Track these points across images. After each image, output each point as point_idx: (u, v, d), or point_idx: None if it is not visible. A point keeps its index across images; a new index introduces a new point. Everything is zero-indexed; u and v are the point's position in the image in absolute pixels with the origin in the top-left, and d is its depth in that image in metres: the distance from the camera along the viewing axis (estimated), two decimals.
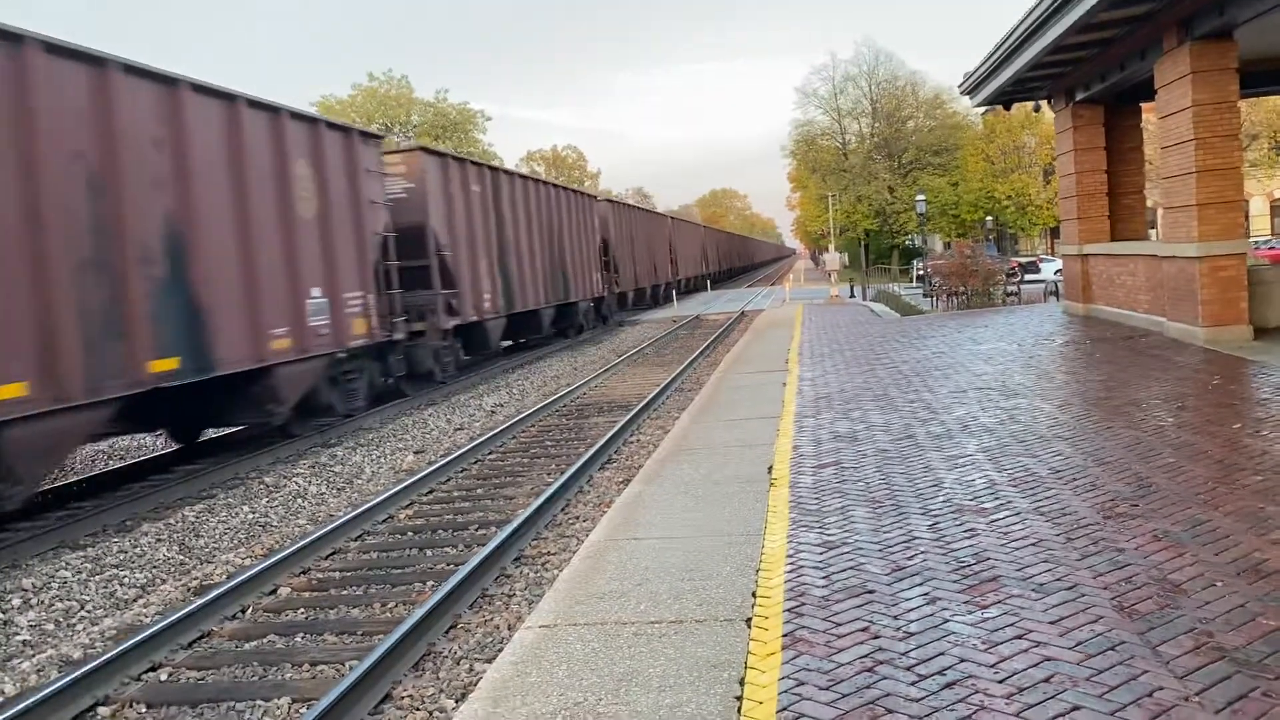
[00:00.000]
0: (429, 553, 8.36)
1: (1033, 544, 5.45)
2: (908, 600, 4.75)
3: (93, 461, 14.26)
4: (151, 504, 10.80)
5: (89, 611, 7.65)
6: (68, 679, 5.63)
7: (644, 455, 11.29)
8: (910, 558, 5.38)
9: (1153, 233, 23.36)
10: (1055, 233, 65.58)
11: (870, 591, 4.91)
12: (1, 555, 8.84)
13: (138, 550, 9.12)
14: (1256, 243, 39.87)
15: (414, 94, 67.20)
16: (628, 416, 13.69)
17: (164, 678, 6.09)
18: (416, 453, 13.25)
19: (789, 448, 8.67)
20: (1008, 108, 21.98)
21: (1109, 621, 4.29)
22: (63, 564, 8.72)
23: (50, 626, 7.34)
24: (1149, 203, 22.41)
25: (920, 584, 4.96)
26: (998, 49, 16.30)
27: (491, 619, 6.57)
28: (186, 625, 6.64)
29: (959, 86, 20.44)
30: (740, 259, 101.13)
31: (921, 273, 37.88)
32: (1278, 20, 11.73)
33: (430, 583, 7.38)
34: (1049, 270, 38.46)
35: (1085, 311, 18.55)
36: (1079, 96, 17.86)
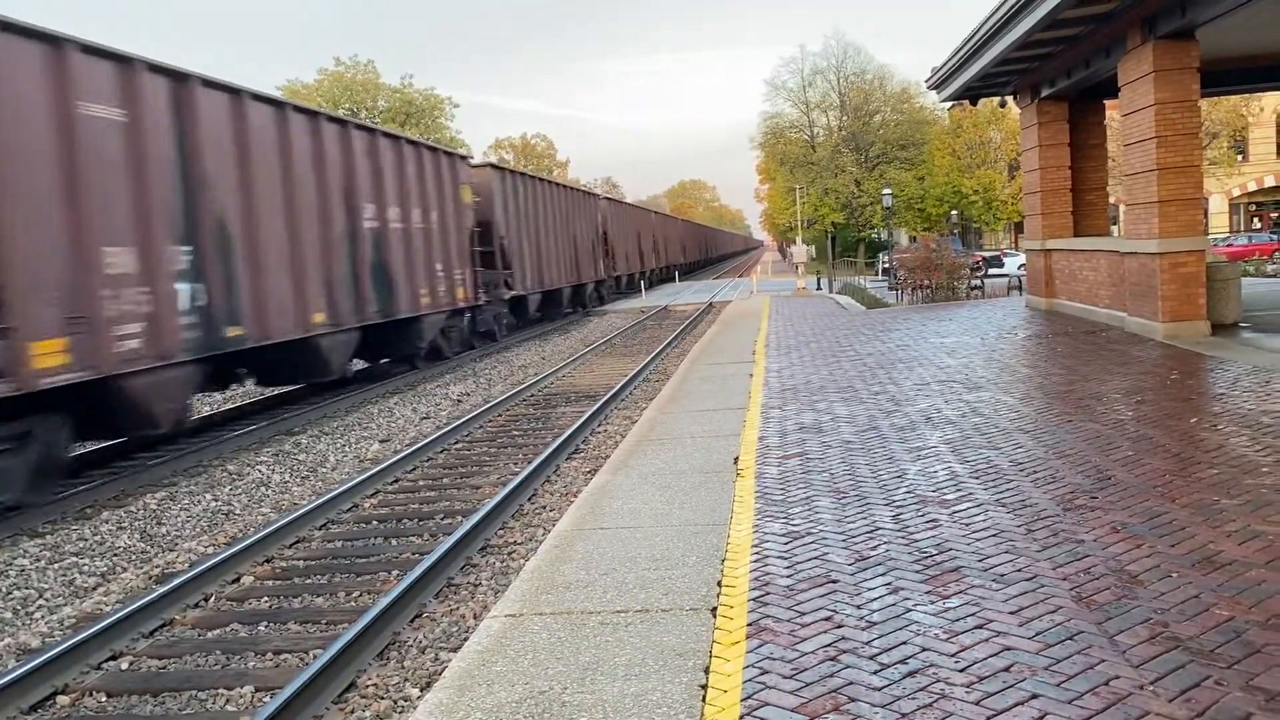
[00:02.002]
0: (394, 542, 8.33)
1: (994, 535, 5.53)
2: (871, 590, 4.80)
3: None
4: (112, 491, 10.68)
5: (48, 600, 7.55)
6: (25, 668, 5.56)
7: (611, 445, 11.30)
8: (873, 548, 5.44)
9: (1115, 229, 23.65)
10: (1019, 227, 66.23)
11: (834, 581, 4.96)
12: None
13: (98, 538, 9.02)
14: (1215, 240, 40.50)
15: (380, 80, 66.57)
16: (595, 406, 13.69)
17: (124, 666, 6.03)
18: (382, 441, 13.18)
19: (755, 439, 8.72)
20: (974, 103, 22.18)
21: (1068, 611, 4.36)
22: (20, 552, 8.60)
23: (8, 615, 7.23)
24: (1111, 199, 22.67)
25: (883, 574, 5.02)
26: (965, 44, 16.43)
27: (457, 608, 6.56)
28: (148, 613, 6.58)
29: (926, 81, 20.59)
30: (709, 250, 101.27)
31: (887, 266, 38.12)
32: (1237, 21, 11.92)
33: (395, 572, 7.36)
34: (1012, 265, 38.81)
35: (1048, 306, 18.78)
36: (1044, 93, 18.05)
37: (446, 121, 68.90)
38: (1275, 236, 44.11)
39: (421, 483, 10.52)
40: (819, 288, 36.95)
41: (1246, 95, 42.27)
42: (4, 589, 7.72)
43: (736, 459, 7.96)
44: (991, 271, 36.98)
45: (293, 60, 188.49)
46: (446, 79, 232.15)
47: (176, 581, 7.04)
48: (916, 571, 5.02)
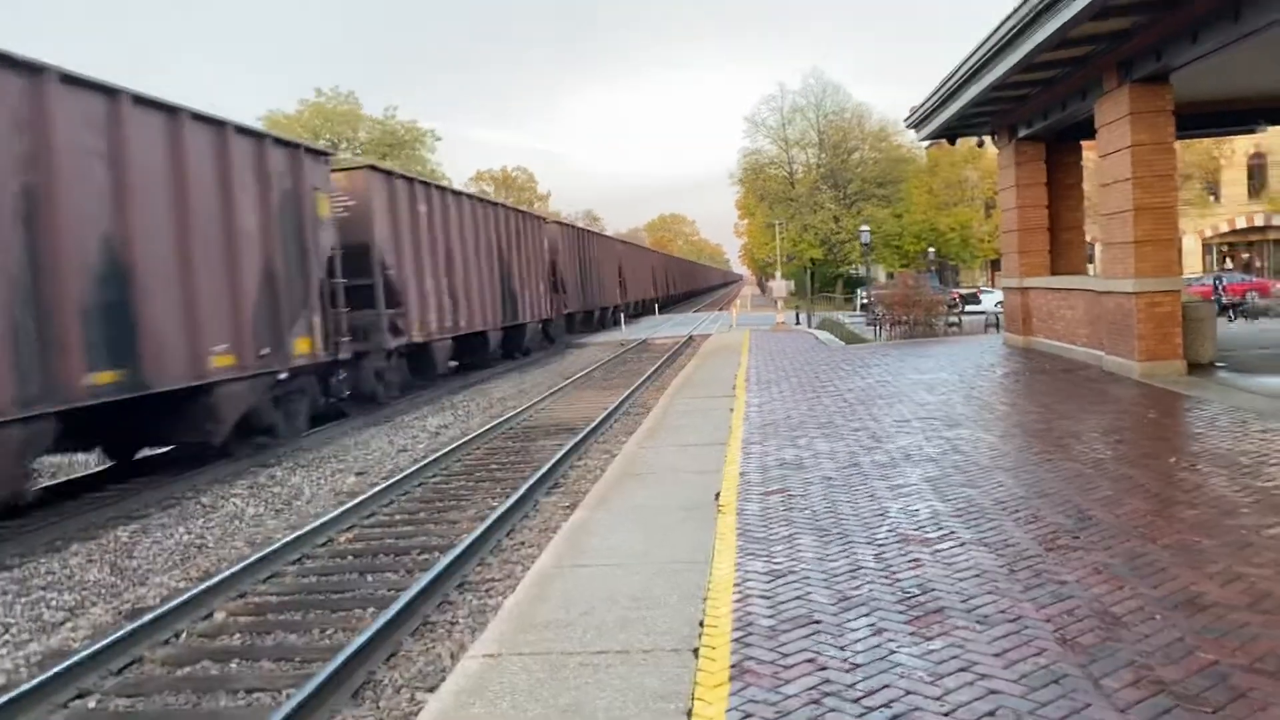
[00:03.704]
0: (370, 578, 8.21)
1: (976, 575, 5.50)
2: (854, 631, 4.76)
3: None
4: (82, 523, 10.50)
5: (13, 635, 7.39)
6: None
7: (591, 480, 11.22)
8: (856, 587, 5.40)
9: (1091, 267, 23.91)
10: (996, 265, 66.89)
11: (817, 622, 4.91)
12: None
13: (67, 571, 8.85)
14: (1189, 280, 40.99)
15: (362, 110, 66.77)
16: (574, 440, 13.62)
17: (92, 705, 5.89)
18: (358, 474, 13.05)
19: (736, 474, 8.68)
20: (952, 142, 22.41)
21: (1052, 654, 4.33)
22: None
23: None
24: (1088, 238, 22.91)
25: (866, 614, 4.97)
26: (943, 85, 16.63)
27: (434, 647, 6.46)
28: (117, 650, 6.44)
29: (905, 120, 20.82)
30: (688, 284, 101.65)
31: (865, 302, 38.36)
32: (1211, 65, 12.12)
33: (371, 609, 7.24)
34: (989, 302, 39.13)
35: (1025, 344, 18.90)
36: (1021, 133, 18.27)
37: (428, 154, 69.10)
38: (1247, 277, 44.73)
39: (398, 517, 10.40)
40: (798, 322, 37.10)
41: (1218, 138, 43.00)
42: None
43: (718, 495, 7.92)
44: (968, 309, 37.26)
45: (278, 90, 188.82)
46: (423, 109, 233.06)
47: (147, 618, 6.91)
48: (900, 612, 4.97)
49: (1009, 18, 12.38)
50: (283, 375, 14.44)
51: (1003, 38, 12.81)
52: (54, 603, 8.07)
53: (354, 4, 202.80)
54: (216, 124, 13.10)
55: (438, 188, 23.20)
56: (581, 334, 39.97)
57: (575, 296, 38.39)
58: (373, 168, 19.54)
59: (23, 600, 8.10)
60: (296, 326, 14.91)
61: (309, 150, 16.13)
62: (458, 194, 24.72)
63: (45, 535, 10.00)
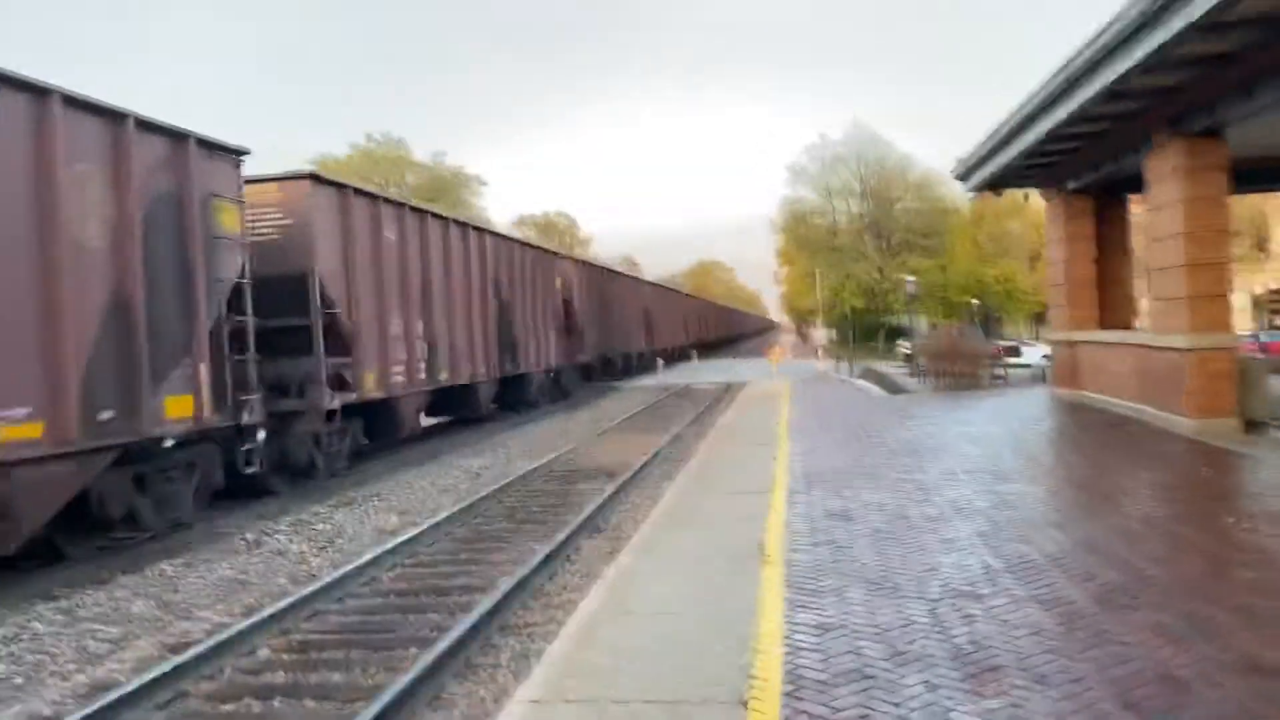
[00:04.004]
0: (412, 617, 8.19)
1: (1032, 633, 5.38)
2: (907, 687, 4.67)
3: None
4: (130, 557, 10.59)
5: (60, 665, 7.44)
6: None
7: (633, 525, 11.16)
8: (909, 642, 5.30)
9: (1137, 321, 23.62)
10: (1041, 318, 66.33)
11: (869, 676, 4.82)
12: None
13: (113, 604, 8.92)
14: (1242, 336, 40.32)
15: (410, 156, 67.92)
16: (616, 485, 13.58)
17: None
18: (400, 514, 13.08)
19: (781, 523, 8.60)
20: (998, 194, 22.34)
21: (1116, 718, 4.22)
22: (35, 615, 8.51)
23: (20, 680, 7.12)
24: (1135, 292, 22.67)
25: (920, 670, 4.88)
26: (991, 136, 16.61)
27: (476, 690, 6.41)
28: (161, 684, 6.46)
29: (952, 172, 20.80)
30: (726, 330, 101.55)
31: (909, 352, 38.09)
32: (1266, 121, 12.00)
33: (413, 649, 7.21)
34: (1032, 355, 38.72)
35: (1073, 397, 18.65)
36: (1070, 186, 18.17)
37: (473, 198, 70.07)
38: None
39: (440, 557, 10.39)
40: (839, 372, 36.91)
41: (1268, 193, 42.51)
42: (17, 653, 7.62)
43: (763, 544, 7.84)
44: (1011, 361, 36.88)
45: (330, 134, 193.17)
46: (473, 154, 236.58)
47: (191, 652, 6.93)
48: (954, 669, 4.88)
49: (1059, 71, 12.38)
50: (167, 443, 11.05)
51: (1053, 92, 12.80)
52: (100, 635, 8.12)
53: (404, 54, 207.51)
54: (35, 91, 9.40)
55: (414, 209, 18.89)
56: (603, 383, 36.81)
57: (593, 342, 33.98)
58: (316, 178, 15.01)
59: (69, 631, 8.16)
60: (169, 380, 11.06)
61: (205, 143, 11.96)
62: (441, 218, 20.51)
63: (93, 567, 10.09)
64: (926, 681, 4.72)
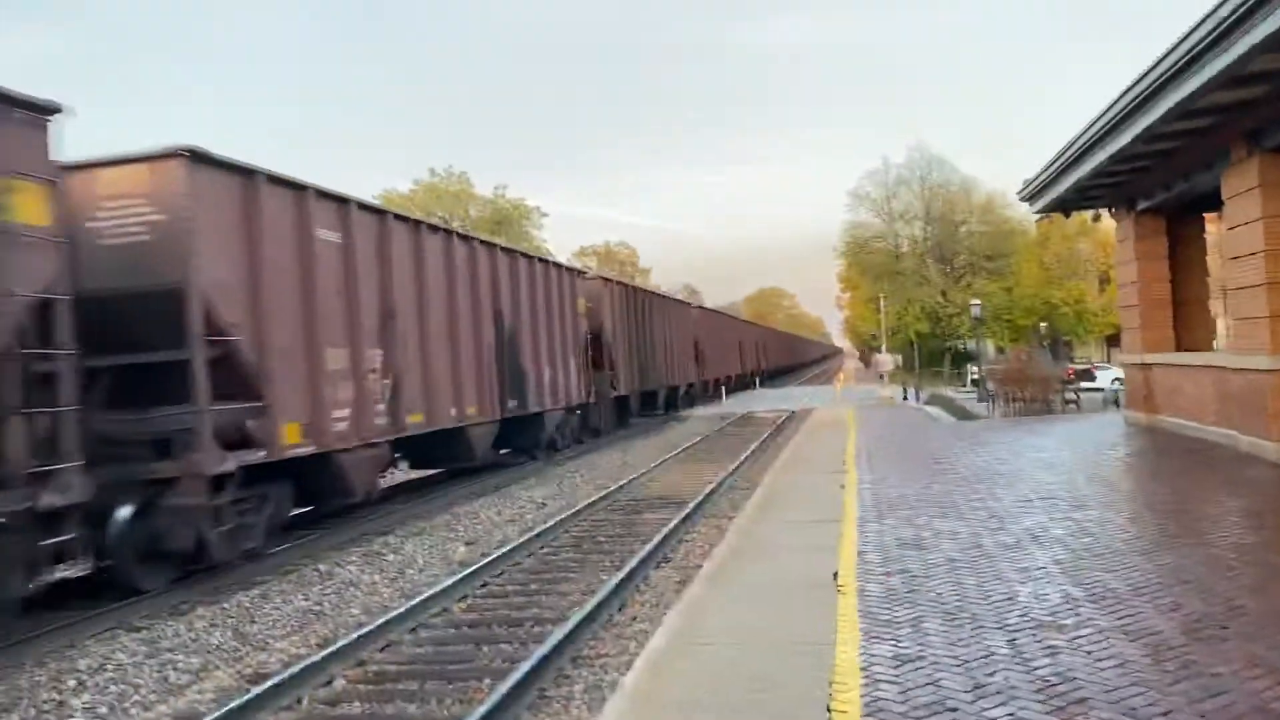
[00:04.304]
0: (484, 648, 8.23)
1: (1118, 665, 5.23)
2: None
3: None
4: (207, 588, 10.79)
5: (142, 696, 7.59)
6: None
7: (700, 555, 11.11)
8: (990, 674, 5.18)
9: (1214, 341, 23.00)
10: (1111, 340, 64.97)
11: (952, 710, 4.72)
12: (60, 635, 8.86)
13: (192, 634, 9.09)
14: None
15: (473, 189, 68.91)
16: (682, 514, 13.53)
17: None
18: (468, 544, 13.17)
19: (853, 553, 8.49)
20: (1067, 215, 21.97)
21: None
22: (119, 645, 8.70)
23: (104, 710, 7.29)
24: (1212, 313, 22.09)
25: (1004, 703, 4.77)
26: (1059, 157, 16.36)
27: None
28: (243, 714, 6.56)
29: (1018, 193, 20.50)
30: (788, 357, 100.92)
31: (976, 377, 37.50)
32: None
33: (487, 680, 7.24)
34: (1104, 378, 37.90)
35: (1149, 421, 18.18)
36: (1141, 206, 17.81)
37: (534, 230, 70.79)
38: None
39: (509, 588, 10.43)
40: (905, 397, 36.46)
41: None
42: (102, 684, 7.79)
43: (836, 574, 7.74)
44: (1083, 385, 36.13)
45: (397, 169, 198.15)
46: (527, 188, 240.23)
47: (270, 682, 7.03)
48: (1040, 702, 4.75)
49: (1130, 89, 12.17)
50: None
51: (1123, 109, 12.58)
52: (181, 665, 8.28)
53: (468, 91, 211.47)
54: None
55: (364, 206, 14.57)
56: (644, 417, 32.22)
57: (628, 374, 29.18)
58: (197, 156, 10.81)
59: (151, 662, 8.33)
60: None
61: None
62: (410, 221, 16.54)
63: (171, 598, 10.29)
64: (1011, 714, 4.61)
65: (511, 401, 19.46)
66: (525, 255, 22.00)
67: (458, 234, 18.49)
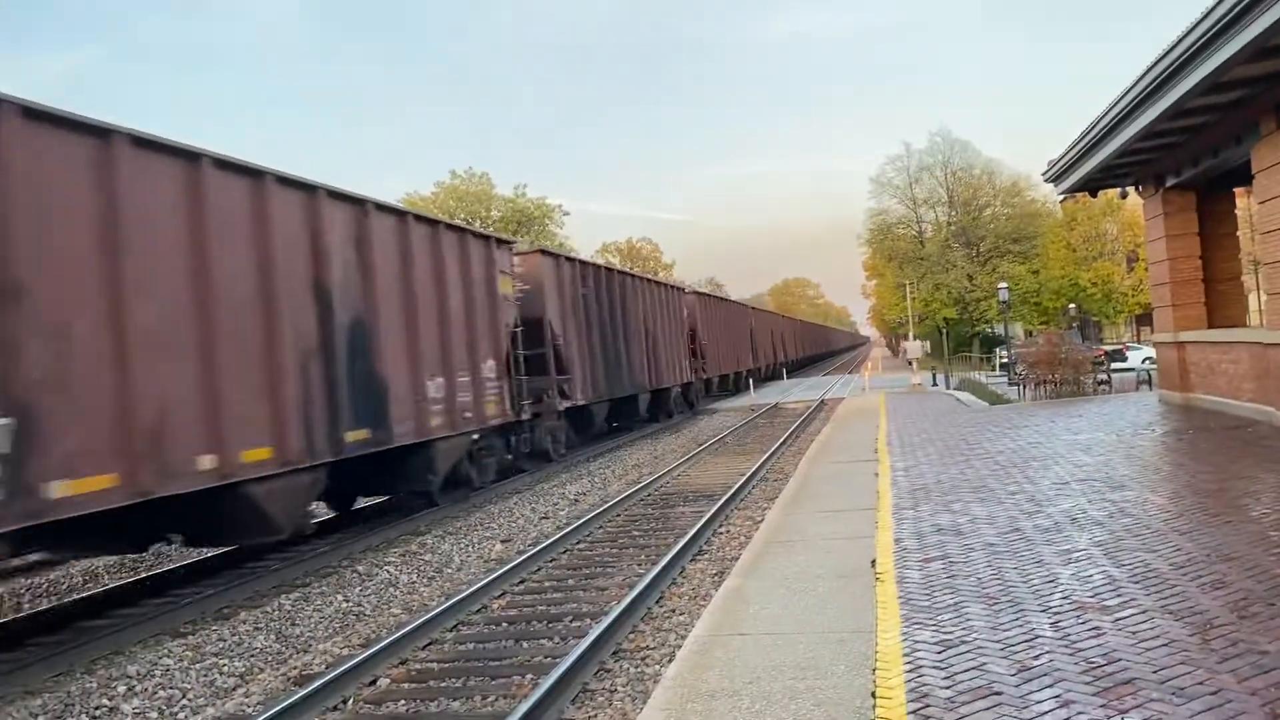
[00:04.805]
0: (525, 644, 8.28)
1: (1165, 644, 5.20)
2: (1039, 703, 4.54)
3: (186, 550, 14.48)
4: (247, 591, 10.92)
5: (190, 700, 7.69)
6: None
7: (736, 546, 11.12)
8: (1035, 657, 5.16)
9: (1248, 318, 22.70)
10: (1141, 320, 64.31)
11: (998, 693, 4.71)
12: (106, 642, 8.99)
13: (236, 638, 9.19)
14: None
15: (494, 190, 69.05)
16: (715, 506, 13.53)
17: None
18: (504, 541, 13.24)
19: (890, 541, 8.46)
20: (1094, 195, 21.74)
21: None
22: (165, 651, 8.81)
23: (154, 715, 7.39)
24: (1245, 288, 21.80)
25: (1050, 685, 4.75)
26: (1084, 136, 16.21)
27: (595, 715, 6.43)
28: (289, 716, 6.63)
29: (1043, 174, 20.32)
30: (816, 347, 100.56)
31: (1006, 361, 37.20)
32: None
33: (529, 675, 7.29)
34: (1136, 358, 37.51)
35: (1183, 400, 17.99)
36: (1169, 183, 17.61)
37: (556, 228, 70.87)
38: None
39: (547, 584, 10.48)
40: (934, 384, 36.24)
41: None
42: (150, 689, 7.90)
43: (874, 562, 7.72)
44: (1114, 365, 35.77)
45: (418, 172, 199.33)
46: (547, 186, 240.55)
47: (316, 684, 7.10)
48: (1086, 683, 4.73)
49: (1156, 63, 12.04)
50: None
51: (1150, 84, 12.44)
52: (226, 669, 8.37)
53: (490, 94, 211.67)
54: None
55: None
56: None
57: (588, 377, 23.22)
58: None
59: (198, 666, 8.43)
60: None
61: None
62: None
63: (215, 602, 10.42)
64: (1058, 696, 4.59)
65: (354, 431, 12.63)
66: (387, 209, 14.31)
67: (210, 157, 10.38)
